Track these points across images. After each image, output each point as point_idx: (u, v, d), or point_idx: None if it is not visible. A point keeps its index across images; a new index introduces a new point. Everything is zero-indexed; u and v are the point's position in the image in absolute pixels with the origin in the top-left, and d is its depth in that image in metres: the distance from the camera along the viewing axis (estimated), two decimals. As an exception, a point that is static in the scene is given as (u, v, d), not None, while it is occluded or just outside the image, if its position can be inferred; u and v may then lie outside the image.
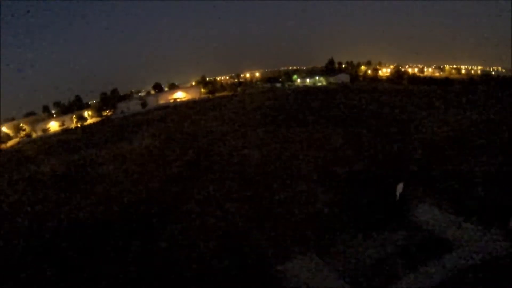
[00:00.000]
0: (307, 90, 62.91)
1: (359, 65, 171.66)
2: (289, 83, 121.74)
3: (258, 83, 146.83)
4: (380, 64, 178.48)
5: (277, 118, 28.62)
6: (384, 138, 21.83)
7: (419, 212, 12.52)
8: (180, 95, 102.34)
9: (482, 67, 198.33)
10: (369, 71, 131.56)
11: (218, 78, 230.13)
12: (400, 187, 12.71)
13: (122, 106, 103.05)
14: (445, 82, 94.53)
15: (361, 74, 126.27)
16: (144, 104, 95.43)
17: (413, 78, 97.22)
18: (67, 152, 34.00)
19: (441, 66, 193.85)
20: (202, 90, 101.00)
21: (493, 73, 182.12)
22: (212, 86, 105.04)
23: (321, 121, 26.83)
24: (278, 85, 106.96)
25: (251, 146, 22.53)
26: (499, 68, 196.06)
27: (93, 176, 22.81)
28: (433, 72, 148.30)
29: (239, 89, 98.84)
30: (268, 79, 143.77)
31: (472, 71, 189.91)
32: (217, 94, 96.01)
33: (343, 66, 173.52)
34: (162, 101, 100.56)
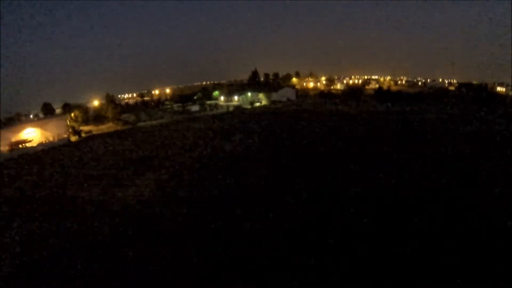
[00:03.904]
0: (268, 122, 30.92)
1: (288, 77, 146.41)
2: (209, 102, 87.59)
3: (167, 103, 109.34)
4: (311, 75, 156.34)
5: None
6: None
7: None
8: (30, 134, 59.78)
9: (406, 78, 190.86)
10: (318, 84, 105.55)
11: (126, 96, 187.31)
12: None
13: None
14: (418, 97, 70.97)
15: (309, 88, 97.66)
16: None
17: (381, 93, 71.59)
18: None
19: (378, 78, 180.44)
20: (70, 123, 59.99)
21: (419, 83, 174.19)
22: (85, 115, 64.81)
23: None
24: (195, 108, 71.09)
25: None
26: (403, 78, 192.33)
27: None
28: (374, 85, 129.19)
29: (131, 118, 60.32)
30: (180, 97, 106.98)
31: (402, 82, 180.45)
32: (96, 129, 57.41)
33: (270, 78, 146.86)
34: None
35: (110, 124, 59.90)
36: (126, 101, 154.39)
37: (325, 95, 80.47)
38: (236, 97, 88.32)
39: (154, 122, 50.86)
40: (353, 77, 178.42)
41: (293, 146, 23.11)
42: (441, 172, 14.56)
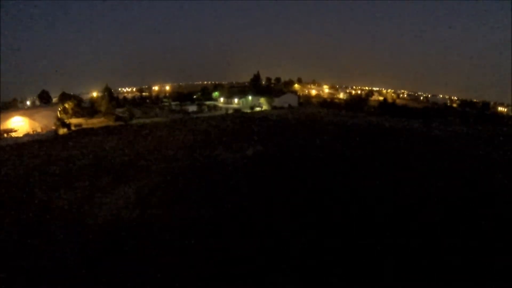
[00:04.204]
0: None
1: (290, 82, 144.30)
2: (208, 103, 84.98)
3: (165, 100, 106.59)
4: (314, 82, 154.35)
5: None
6: None
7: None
8: (17, 123, 56.65)
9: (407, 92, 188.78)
10: (320, 92, 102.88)
11: (125, 90, 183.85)
12: None
13: None
14: (425, 113, 68.73)
15: (311, 95, 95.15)
16: None
17: (386, 106, 69.60)
18: None
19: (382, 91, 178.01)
20: (60, 114, 56.96)
21: (421, 98, 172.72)
22: (77, 107, 61.98)
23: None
24: (192, 108, 68.00)
25: None
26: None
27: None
28: (377, 96, 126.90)
29: (125, 113, 57.08)
30: (178, 95, 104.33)
31: (401, 95, 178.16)
32: (87, 123, 54.63)
33: (272, 82, 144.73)
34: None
35: (102, 118, 57.15)
36: (124, 95, 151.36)
37: (328, 104, 78.03)
38: (236, 100, 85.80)
39: (147, 120, 48.20)
40: (355, 87, 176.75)
41: (300, 159, 20.60)
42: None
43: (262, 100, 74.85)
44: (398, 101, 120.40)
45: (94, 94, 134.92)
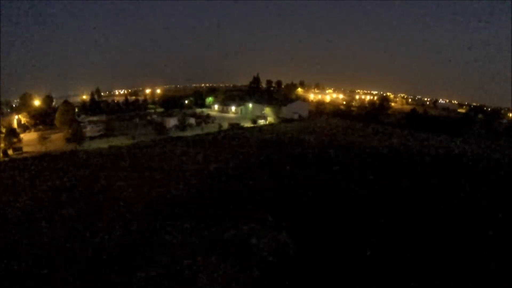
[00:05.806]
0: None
1: (293, 86, 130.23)
2: (199, 110, 70.86)
3: (151, 106, 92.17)
4: (317, 86, 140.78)
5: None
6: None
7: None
8: None
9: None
10: (327, 98, 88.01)
11: (120, 92, 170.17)
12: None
13: None
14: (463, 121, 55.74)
15: (325, 102, 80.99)
16: None
17: (414, 117, 56.76)
18: None
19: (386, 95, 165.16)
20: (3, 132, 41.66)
21: (428, 103, 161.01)
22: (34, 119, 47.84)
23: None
24: (173, 121, 51.17)
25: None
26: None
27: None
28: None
29: (86, 129, 42.05)
30: (167, 100, 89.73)
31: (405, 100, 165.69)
32: (27, 144, 40.44)
33: (272, 86, 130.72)
34: None
35: (54, 136, 42.51)
36: (114, 98, 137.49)
37: (343, 115, 63.47)
38: (233, 108, 71.14)
39: (105, 145, 33.73)
40: (360, 91, 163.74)
41: None
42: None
43: (267, 110, 60.09)
44: (406, 106, 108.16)
45: (84, 96, 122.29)
